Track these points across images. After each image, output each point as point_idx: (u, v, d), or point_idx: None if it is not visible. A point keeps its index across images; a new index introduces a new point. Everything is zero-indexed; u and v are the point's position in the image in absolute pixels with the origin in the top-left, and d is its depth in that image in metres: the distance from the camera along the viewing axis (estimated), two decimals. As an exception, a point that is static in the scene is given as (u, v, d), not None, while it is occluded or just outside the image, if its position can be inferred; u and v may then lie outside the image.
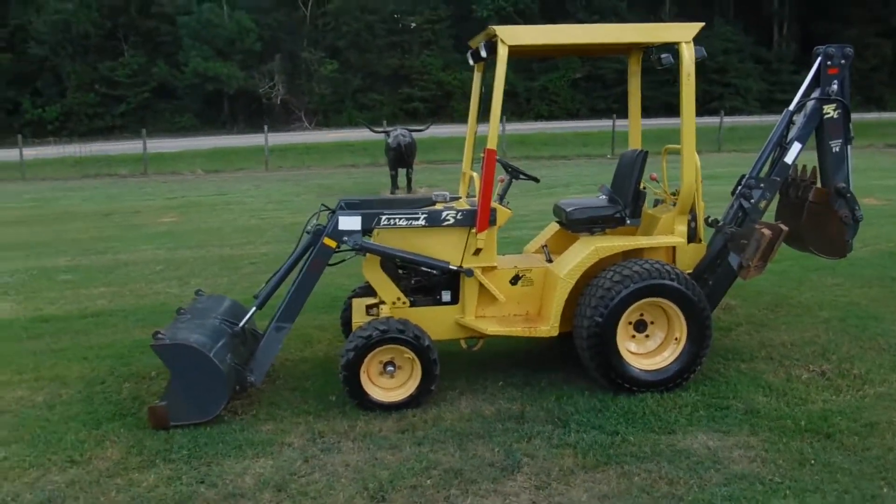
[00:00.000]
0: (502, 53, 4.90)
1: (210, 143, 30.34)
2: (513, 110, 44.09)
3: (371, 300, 5.54)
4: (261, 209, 15.05)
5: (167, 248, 11.02)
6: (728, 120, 30.27)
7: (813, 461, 4.07)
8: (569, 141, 28.85)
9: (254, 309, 5.41)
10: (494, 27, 4.95)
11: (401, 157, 16.14)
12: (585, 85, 45.88)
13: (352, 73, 44.82)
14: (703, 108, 41.39)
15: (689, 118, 5.15)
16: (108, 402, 5.27)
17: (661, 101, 42.65)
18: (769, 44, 48.19)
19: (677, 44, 5.10)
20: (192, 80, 40.82)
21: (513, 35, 4.92)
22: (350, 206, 5.49)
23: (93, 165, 24.38)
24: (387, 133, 16.65)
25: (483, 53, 5.09)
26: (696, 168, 5.30)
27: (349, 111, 43.68)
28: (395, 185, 16.79)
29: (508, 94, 45.29)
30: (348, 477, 4.13)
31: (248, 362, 5.12)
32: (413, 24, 46.89)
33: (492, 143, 4.96)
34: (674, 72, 5.25)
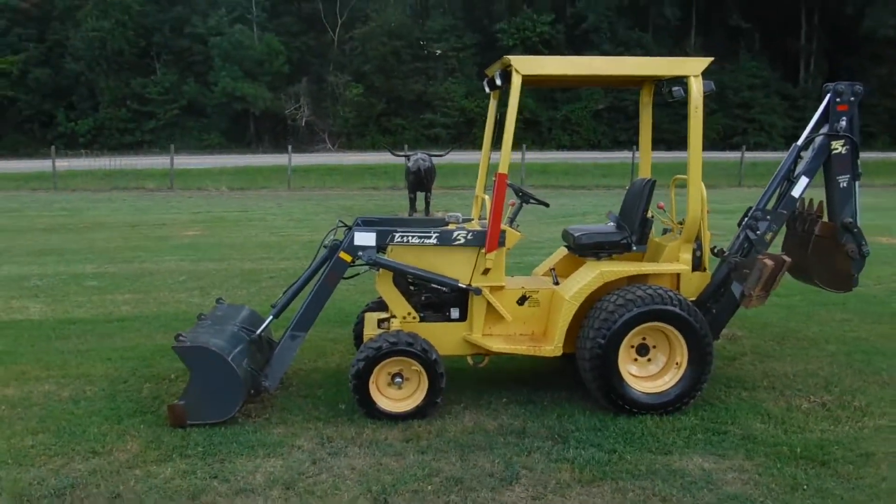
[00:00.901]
0: (516, 82, 5.14)
1: (235, 162, 30.96)
2: (534, 139, 44.48)
3: (383, 315, 5.75)
4: (282, 227, 15.37)
5: (191, 260, 11.33)
6: (750, 155, 30.38)
7: (805, 486, 4.19)
8: (588, 171, 29.07)
9: (270, 318, 5.65)
10: (509, 57, 5.19)
11: (420, 181, 16.43)
12: (608, 116, 46.19)
13: (376, 97, 45.55)
14: (725, 143, 41.65)
15: (695, 150, 5.34)
16: (130, 400, 5.50)
17: (683, 134, 42.78)
18: (795, 79, 48.26)
19: (687, 77, 5.31)
20: (221, 100, 41.78)
21: (527, 65, 5.16)
22: (367, 224, 5.73)
23: (122, 178, 24.97)
24: (407, 157, 16.97)
25: (498, 82, 5.32)
26: (703, 198, 5.48)
27: (372, 135, 44.31)
28: (413, 209, 17.06)
29: (530, 122, 46.06)
30: (353, 479, 4.31)
31: (264, 368, 5.34)
32: (438, 52, 47.61)
33: (503, 168, 5.19)
34: (685, 104, 5.45)
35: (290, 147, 26.84)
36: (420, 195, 16.96)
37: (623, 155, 28.34)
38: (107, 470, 4.40)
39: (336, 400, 5.50)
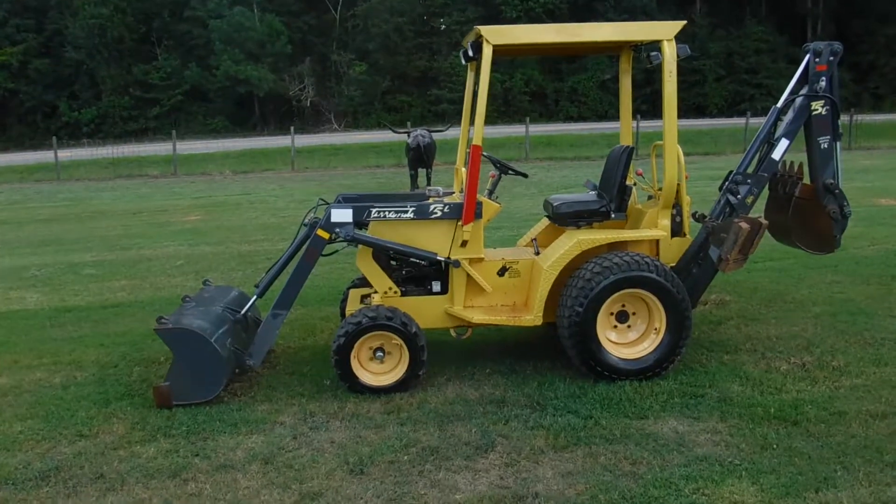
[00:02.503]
0: (487, 53, 5.13)
1: (241, 145, 31.03)
2: (541, 112, 44.23)
3: (368, 290, 5.80)
4: (283, 208, 15.43)
5: (189, 245, 11.43)
6: (756, 121, 29.96)
7: (775, 446, 4.22)
8: (595, 142, 28.87)
9: (255, 297, 5.72)
10: (480, 27, 5.18)
11: (420, 157, 16.39)
12: (614, 86, 45.69)
13: (381, 75, 45.32)
14: (733, 110, 41.24)
15: (670, 115, 5.32)
16: (119, 384, 5.60)
17: (690, 101, 42.40)
18: (803, 43, 47.41)
19: (660, 42, 5.27)
20: (224, 83, 41.71)
21: (497, 34, 5.15)
22: (347, 201, 5.76)
23: (125, 167, 25.10)
24: (408, 134, 16.92)
25: (470, 53, 5.31)
26: (681, 163, 5.46)
27: (378, 113, 44.19)
28: (414, 185, 17.04)
29: (537, 95, 45.76)
30: (332, 452, 4.39)
31: (249, 347, 5.41)
32: (442, 26, 47.22)
33: (477, 140, 5.19)
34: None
35: (292, 128, 26.89)
36: (422, 172, 16.93)
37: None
38: (92, 452, 4.50)
39: (322, 376, 5.58)
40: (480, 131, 5.23)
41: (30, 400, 5.38)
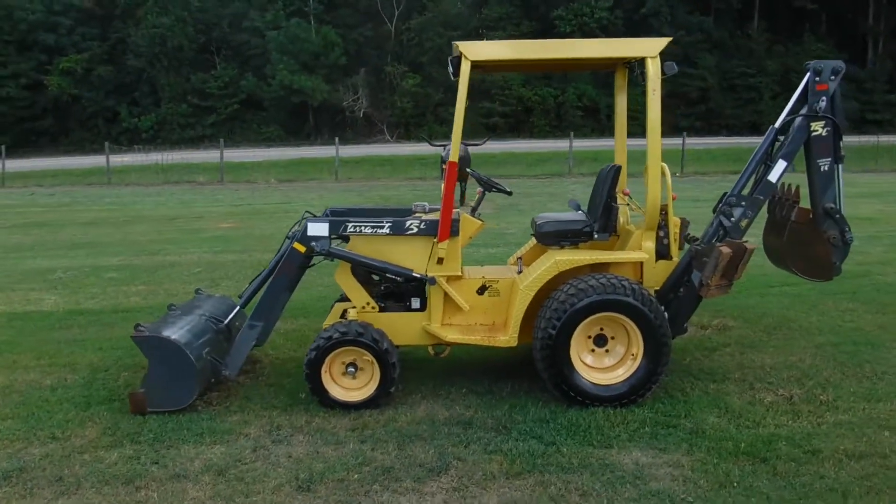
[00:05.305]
0: (465, 68, 5.09)
1: (291, 154, 31.58)
2: (593, 127, 43.83)
3: (351, 305, 5.79)
4: (314, 218, 15.57)
5: (214, 252, 11.66)
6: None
7: (736, 484, 4.04)
8: (639, 159, 28.30)
9: (237, 308, 5.78)
10: (458, 42, 5.14)
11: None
12: (667, 102, 45.01)
13: (433, 87, 45.63)
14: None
15: (654, 134, 5.19)
16: (105, 388, 5.72)
17: (746, 119, 41.39)
18: (863, 61, 46.04)
19: (643, 59, 5.15)
20: (279, 93, 42.63)
21: (475, 50, 5.10)
22: (335, 215, 5.77)
23: (175, 173, 25.85)
24: (443, 146, 16.93)
25: (450, 68, 5.28)
26: (668, 184, 5.32)
27: (430, 125, 44.47)
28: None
29: (589, 110, 45.34)
30: (286, 467, 4.39)
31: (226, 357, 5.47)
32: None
33: (453, 157, 5.16)
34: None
35: (336, 139, 27.23)
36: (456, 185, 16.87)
37: (677, 142, 27.65)
38: (58, 454, 4.60)
39: (300, 389, 5.57)
40: (456, 148, 5.19)
41: (16, 400, 5.53)
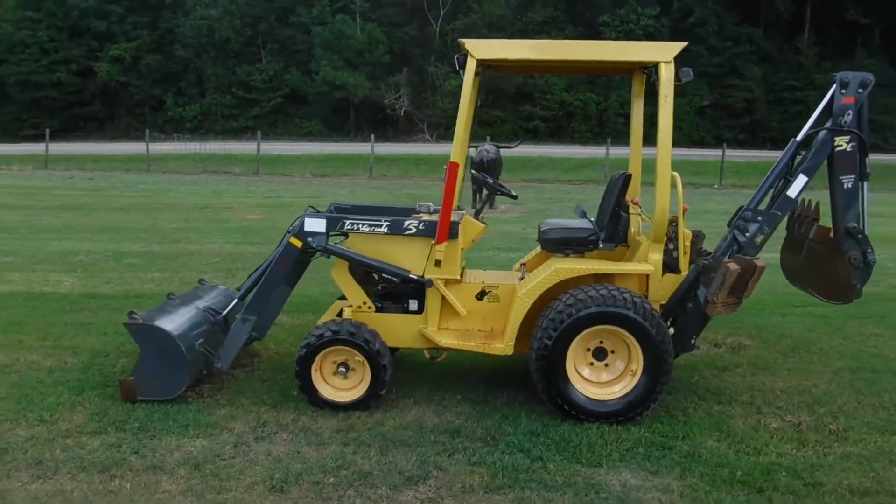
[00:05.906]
0: (470, 66, 4.96)
1: (330, 150, 31.73)
2: (634, 135, 43.12)
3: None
4: (341, 213, 15.57)
5: (234, 243, 11.69)
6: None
7: (726, 513, 3.83)
8: (680, 169, 27.57)
9: (235, 300, 5.72)
10: (464, 40, 5.00)
11: (483, 172, 16.19)
12: (712, 113, 44.26)
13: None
14: (837, 143, 38.84)
15: (664, 143, 4.99)
16: (101, 374, 5.71)
17: (793, 134, 40.28)
18: (917, 79, 44.58)
19: (657, 64, 4.95)
20: (322, 88, 42.94)
21: (481, 49, 4.96)
22: (339, 211, 5.69)
23: (213, 163, 26.15)
24: (474, 148, 16.77)
25: (457, 66, 5.14)
26: (679, 194, 5.11)
27: (471, 126, 44.25)
28: (476, 200, 16.87)
29: (629, 118, 44.53)
30: (264, 465, 4.30)
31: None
32: (540, 44, 46.96)
33: (455, 157, 5.03)
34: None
35: (372, 136, 27.29)
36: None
37: (717, 153, 27.05)
38: (43, 438, 4.58)
39: (292, 386, 5.49)
40: (458, 148, 5.05)
41: (14, 380, 5.55)
